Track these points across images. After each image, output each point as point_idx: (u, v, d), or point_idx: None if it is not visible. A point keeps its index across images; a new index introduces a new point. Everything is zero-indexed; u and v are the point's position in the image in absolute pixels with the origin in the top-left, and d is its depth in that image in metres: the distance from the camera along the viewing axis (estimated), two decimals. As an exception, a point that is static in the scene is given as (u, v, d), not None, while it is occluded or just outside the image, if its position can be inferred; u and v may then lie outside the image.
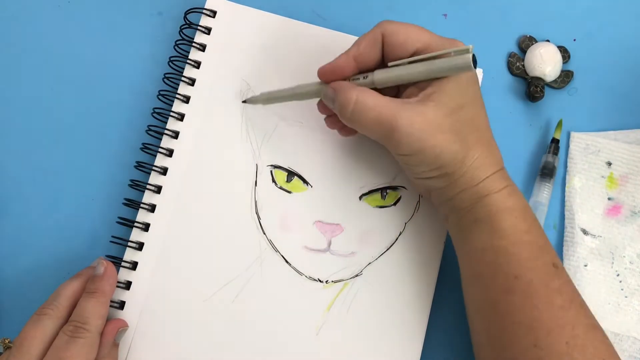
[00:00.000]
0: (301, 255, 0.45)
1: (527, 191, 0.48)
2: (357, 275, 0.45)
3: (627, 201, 0.47)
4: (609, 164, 0.48)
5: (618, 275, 0.46)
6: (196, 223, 0.45)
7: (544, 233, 0.39)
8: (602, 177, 0.48)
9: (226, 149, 0.46)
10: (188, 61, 0.47)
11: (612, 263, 0.46)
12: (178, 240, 0.45)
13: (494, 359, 0.38)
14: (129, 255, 0.44)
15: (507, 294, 0.37)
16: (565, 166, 0.48)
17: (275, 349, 0.43)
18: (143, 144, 0.46)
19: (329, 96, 0.40)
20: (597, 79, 0.50)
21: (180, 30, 0.48)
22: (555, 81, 0.49)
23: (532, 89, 0.48)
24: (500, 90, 0.50)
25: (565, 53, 0.49)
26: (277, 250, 0.45)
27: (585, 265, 0.46)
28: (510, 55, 0.50)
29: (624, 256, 0.46)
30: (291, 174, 0.46)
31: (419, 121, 0.36)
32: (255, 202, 0.45)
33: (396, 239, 0.45)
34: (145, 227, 0.45)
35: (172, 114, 0.46)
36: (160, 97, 0.47)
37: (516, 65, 0.50)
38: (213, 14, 0.48)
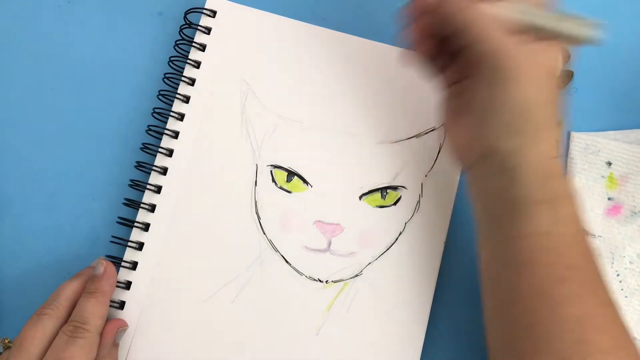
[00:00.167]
0: (301, 255, 0.45)
1: (527, 191, 0.48)
2: (357, 275, 0.45)
3: (627, 201, 0.47)
4: (609, 164, 0.48)
5: (618, 275, 0.46)
6: (196, 223, 0.45)
7: None
8: (602, 177, 0.48)
9: (226, 149, 0.46)
10: (188, 61, 0.47)
11: (612, 263, 0.46)
12: (178, 240, 0.45)
13: (527, 354, 0.35)
14: (129, 255, 0.44)
15: (561, 284, 0.35)
16: (565, 166, 0.48)
17: (275, 349, 0.43)
18: (143, 144, 0.46)
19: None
20: (597, 79, 0.50)
21: (181, 30, 0.48)
22: (555, 81, 0.49)
23: (532, 89, 0.48)
24: (500, 90, 0.50)
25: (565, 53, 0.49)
26: (277, 250, 0.45)
27: (585, 265, 0.46)
28: (510, 55, 0.50)
29: (623, 256, 0.46)
30: (291, 174, 0.46)
31: (533, 62, 0.35)
32: (255, 202, 0.45)
33: (396, 239, 0.45)
34: (145, 227, 0.45)
35: (172, 114, 0.46)
36: (160, 97, 0.47)
37: (516, 65, 0.49)
38: (213, 14, 0.48)
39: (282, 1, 0.50)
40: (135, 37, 0.50)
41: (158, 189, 0.45)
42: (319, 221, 0.45)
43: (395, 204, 0.46)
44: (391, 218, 0.45)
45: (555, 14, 0.36)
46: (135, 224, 0.44)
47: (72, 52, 0.49)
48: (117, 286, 0.43)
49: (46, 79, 0.49)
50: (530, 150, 0.35)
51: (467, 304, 0.45)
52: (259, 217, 0.45)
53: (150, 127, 0.46)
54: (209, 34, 0.48)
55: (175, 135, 0.46)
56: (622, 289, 0.46)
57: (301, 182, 0.46)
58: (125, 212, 0.45)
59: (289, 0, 0.50)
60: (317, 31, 0.48)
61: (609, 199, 0.47)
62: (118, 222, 0.45)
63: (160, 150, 0.46)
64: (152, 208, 0.45)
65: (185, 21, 0.48)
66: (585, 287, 0.35)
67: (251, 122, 0.46)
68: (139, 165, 0.46)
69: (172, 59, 0.47)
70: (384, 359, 0.43)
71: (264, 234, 0.45)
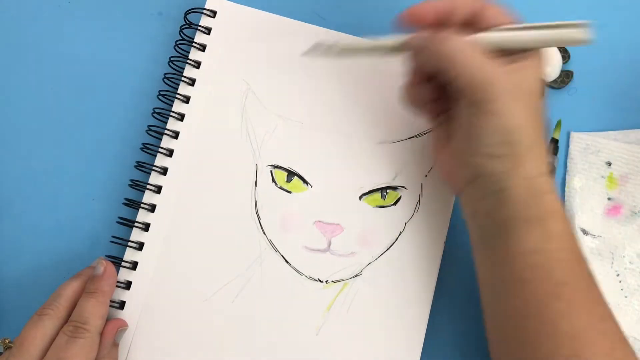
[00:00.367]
0: (301, 255, 0.45)
1: (527, 191, 0.48)
2: (357, 275, 0.45)
3: (627, 201, 0.47)
4: (609, 164, 0.48)
5: (618, 275, 0.46)
6: (196, 223, 0.45)
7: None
8: (602, 177, 0.48)
9: (226, 149, 0.46)
10: (188, 61, 0.47)
11: (612, 263, 0.46)
12: (178, 240, 0.45)
13: None
14: (129, 255, 0.44)
15: (553, 301, 0.35)
16: (565, 166, 0.48)
17: (275, 348, 0.43)
18: (143, 144, 0.46)
19: (419, 41, 0.38)
20: (597, 79, 0.50)
21: (181, 30, 0.48)
22: (555, 81, 0.49)
23: (532, 89, 0.48)
24: (500, 90, 0.50)
25: (565, 53, 0.49)
26: (277, 250, 0.45)
27: (585, 265, 0.46)
28: (510, 55, 0.50)
29: (623, 256, 0.46)
30: (291, 174, 0.46)
31: (512, 88, 0.35)
32: (255, 202, 0.45)
33: (396, 239, 0.45)
34: (145, 227, 0.45)
35: (172, 114, 0.46)
36: (160, 97, 0.47)
37: (516, 65, 0.50)
38: (213, 14, 0.48)
39: (282, 1, 0.50)
40: (135, 37, 0.50)
41: (158, 189, 0.45)
42: (319, 221, 0.45)
43: (395, 204, 0.46)
44: (391, 218, 0.45)
45: (532, 25, 0.37)
46: (135, 224, 0.44)
47: (72, 52, 0.49)
48: (117, 286, 0.43)
49: (46, 79, 0.49)
50: (516, 172, 0.36)
51: (467, 304, 0.45)
52: (259, 217, 0.45)
53: (150, 127, 0.46)
54: (209, 34, 0.48)
55: (175, 135, 0.46)
56: (622, 289, 0.46)
57: (301, 182, 0.46)
58: (125, 212, 0.45)
59: (289, 0, 0.50)
60: (317, 31, 0.48)
61: (609, 199, 0.47)
62: (118, 222, 0.45)
63: (160, 150, 0.46)
64: (152, 208, 0.45)
65: (185, 21, 0.48)
66: (577, 302, 0.35)
67: (251, 122, 0.46)
68: (139, 165, 0.46)
69: (172, 59, 0.47)
70: (384, 359, 0.43)
71: (264, 234, 0.45)
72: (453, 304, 0.45)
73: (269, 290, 0.44)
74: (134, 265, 0.44)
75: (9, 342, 0.40)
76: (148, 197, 0.45)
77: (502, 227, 0.37)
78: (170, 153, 0.46)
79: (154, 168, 0.45)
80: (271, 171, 0.46)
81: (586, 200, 0.47)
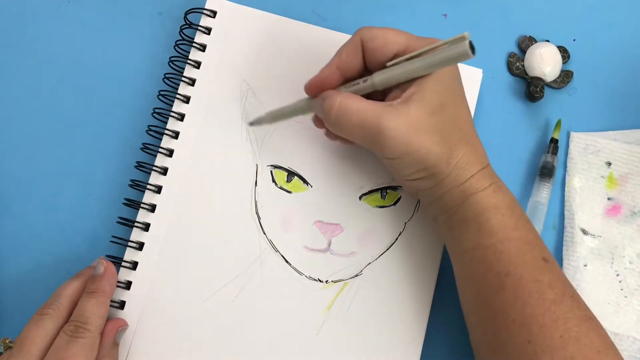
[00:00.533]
0: (301, 255, 0.45)
1: (527, 191, 0.48)
2: (357, 275, 0.45)
3: (627, 201, 0.47)
4: (609, 164, 0.48)
5: (618, 275, 0.46)
6: (196, 223, 0.45)
7: (533, 228, 0.39)
8: (602, 177, 0.48)
9: (226, 149, 0.46)
10: (188, 61, 0.47)
11: (612, 263, 0.46)
12: (178, 240, 0.45)
13: (491, 356, 0.38)
14: (129, 255, 0.44)
15: (498, 292, 0.37)
16: (565, 166, 0.48)
17: (275, 348, 0.43)
18: (143, 144, 0.46)
19: (318, 106, 0.40)
20: (597, 79, 0.50)
21: (181, 30, 0.48)
22: (555, 81, 0.49)
23: (531, 89, 0.48)
24: (500, 90, 0.50)
25: (565, 53, 0.49)
26: (277, 250, 0.45)
27: (585, 265, 0.46)
28: (510, 55, 0.50)
29: (623, 256, 0.46)
30: (291, 174, 0.46)
31: (403, 123, 0.36)
32: (255, 202, 0.45)
33: (396, 239, 0.45)
34: (145, 227, 0.45)
35: (172, 114, 0.46)
36: (160, 97, 0.47)
37: (516, 65, 0.50)
38: (213, 14, 0.48)
39: (282, 1, 0.50)
40: (135, 37, 0.50)
41: (158, 189, 0.45)
42: (319, 221, 0.45)
43: (395, 204, 0.46)
44: (391, 218, 0.45)
45: (415, 54, 0.37)
46: (135, 224, 0.44)
47: (72, 52, 0.50)
48: (117, 286, 0.43)
49: (46, 79, 0.49)
50: (441, 185, 0.39)
51: (467, 304, 0.45)
52: (259, 217, 0.45)
53: (151, 127, 0.46)
54: (209, 34, 0.48)
55: (175, 135, 0.46)
56: (622, 289, 0.46)
57: (301, 182, 0.46)
58: (125, 212, 0.45)
59: (289, 0, 0.50)
60: (317, 31, 0.48)
61: (609, 199, 0.47)
62: (118, 222, 0.45)
63: (160, 150, 0.46)
64: (152, 208, 0.45)
65: (186, 21, 0.48)
66: (523, 290, 0.37)
67: (251, 122, 0.46)
68: (139, 165, 0.46)
69: (172, 59, 0.47)
70: (384, 359, 0.43)
71: (264, 234, 0.45)
72: (453, 303, 0.45)
73: (269, 290, 0.44)
74: (134, 265, 0.44)
75: (9, 342, 0.40)
76: (148, 197, 0.45)
77: (446, 228, 0.40)
78: (170, 153, 0.46)
79: (154, 168, 0.45)
80: (271, 171, 0.46)
81: (586, 200, 0.47)
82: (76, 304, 0.40)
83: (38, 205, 0.47)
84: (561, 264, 0.46)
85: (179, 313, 0.44)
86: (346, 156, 0.46)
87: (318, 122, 0.42)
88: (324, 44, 0.47)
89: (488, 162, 0.40)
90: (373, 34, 0.39)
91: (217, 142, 0.46)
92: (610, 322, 0.45)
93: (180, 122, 0.46)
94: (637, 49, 0.51)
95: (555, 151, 0.47)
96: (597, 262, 0.46)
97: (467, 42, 0.34)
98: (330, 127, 0.39)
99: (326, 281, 0.44)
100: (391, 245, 0.45)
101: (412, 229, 0.45)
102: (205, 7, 0.48)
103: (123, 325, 0.42)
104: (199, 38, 0.48)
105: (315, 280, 0.44)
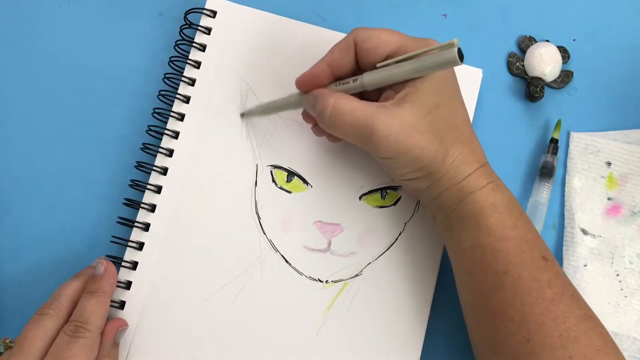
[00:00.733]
0: (301, 255, 0.45)
1: (527, 191, 0.48)
2: (357, 275, 0.45)
3: (627, 201, 0.47)
4: (609, 164, 0.48)
5: (618, 275, 0.46)
6: (196, 223, 0.45)
7: (533, 227, 0.39)
8: (602, 177, 0.48)
9: (226, 149, 0.46)
10: (188, 61, 0.47)
11: (612, 263, 0.46)
12: (178, 240, 0.45)
13: (490, 355, 0.38)
14: (129, 255, 0.44)
15: (497, 291, 0.37)
16: (565, 166, 0.48)
17: (275, 348, 0.43)
18: (143, 144, 0.46)
19: (310, 104, 0.40)
20: (597, 79, 0.50)
21: (181, 30, 0.48)
22: (555, 81, 0.49)
23: (531, 89, 0.48)
24: (500, 90, 0.50)
25: (565, 53, 0.49)
26: (277, 250, 0.45)
27: (585, 265, 0.46)
28: (510, 55, 0.50)
29: (623, 256, 0.46)
30: (291, 174, 0.46)
31: (396, 123, 0.37)
32: (255, 202, 0.45)
33: (396, 239, 0.45)
34: (145, 227, 0.45)
35: (172, 114, 0.46)
36: (160, 97, 0.47)
37: (516, 65, 0.50)
38: (213, 14, 0.48)
39: (282, 1, 0.50)
40: (135, 37, 0.50)
41: (158, 189, 0.45)
42: (319, 221, 0.45)
43: (395, 204, 0.46)
44: (391, 218, 0.45)
45: (405, 57, 0.37)
46: (135, 224, 0.44)
47: (72, 52, 0.50)
48: (117, 286, 0.43)
49: (46, 79, 0.49)
50: (438, 184, 0.39)
51: (467, 304, 0.45)
52: (259, 217, 0.45)
53: (151, 127, 0.46)
54: (209, 34, 0.48)
55: (175, 135, 0.46)
56: (622, 289, 0.46)
57: (301, 182, 0.46)
58: (126, 212, 0.45)
59: (289, 0, 0.50)
60: (317, 31, 0.48)
61: (609, 199, 0.47)
62: (118, 222, 0.45)
63: (160, 150, 0.46)
64: (152, 208, 0.45)
65: (186, 21, 0.48)
66: (522, 289, 0.37)
67: (251, 122, 0.46)
68: (139, 165, 0.46)
69: (172, 59, 0.47)
70: (384, 359, 0.43)
71: (264, 234, 0.45)
72: (453, 303, 0.45)
73: (269, 290, 0.44)
74: (134, 265, 0.44)
75: (9, 341, 0.40)
76: (148, 197, 0.45)
77: (445, 227, 0.40)
78: (170, 153, 0.46)
79: (154, 168, 0.45)
80: (271, 171, 0.46)
81: (586, 200, 0.47)
82: (76, 304, 0.40)
83: (38, 205, 0.47)
84: (561, 264, 0.46)
85: (179, 313, 0.44)
86: (346, 156, 0.46)
87: (307, 117, 0.43)
88: (324, 44, 0.47)
89: (486, 161, 0.40)
90: (367, 35, 0.39)
91: (217, 142, 0.46)
92: (610, 322, 0.45)
93: (180, 122, 0.46)
94: (637, 49, 0.51)
95: (555, 151, 0.47)
96: (597, 262, 0.46)
97: (455, 49, 0.34)
98: (324, 126, 0.39)
99: (326, 281, 0.44)
100: (391, 245, 0.45)
101: (412, 229, 0.45)
102: (205, 7, 0.48)
103: (123, 325, 0.42)
104: (199, 38, 0.48)
105: (315, 280, 0.44)
